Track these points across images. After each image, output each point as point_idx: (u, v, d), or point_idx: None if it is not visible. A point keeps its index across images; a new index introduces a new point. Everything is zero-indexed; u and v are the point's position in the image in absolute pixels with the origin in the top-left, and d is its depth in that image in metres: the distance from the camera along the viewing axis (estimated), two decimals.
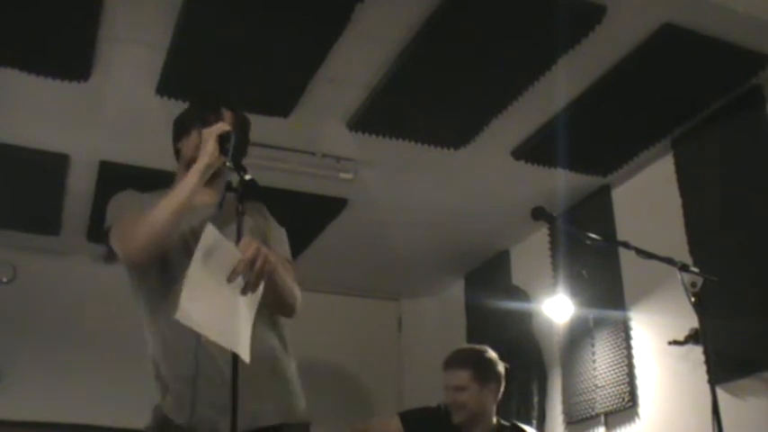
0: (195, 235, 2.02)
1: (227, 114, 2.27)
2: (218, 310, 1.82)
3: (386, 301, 5.78)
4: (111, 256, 2.22)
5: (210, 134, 2.10)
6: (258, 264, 1.88)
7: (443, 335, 5.44)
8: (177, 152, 2.34)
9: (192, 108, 2.39)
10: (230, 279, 1.85)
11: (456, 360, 3.24)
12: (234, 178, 2.04)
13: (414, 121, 3.61)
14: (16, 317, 4.59)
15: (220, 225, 1.99)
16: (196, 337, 1.92)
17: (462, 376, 3.18)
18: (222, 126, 2.14)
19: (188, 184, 2.06)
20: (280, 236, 2.31)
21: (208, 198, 2.17)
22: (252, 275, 1.88)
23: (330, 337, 5.39)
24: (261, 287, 1.94)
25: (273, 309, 2.13)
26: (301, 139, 3.77)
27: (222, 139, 2.09)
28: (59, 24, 2.90)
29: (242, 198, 1.97)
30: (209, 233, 1.85)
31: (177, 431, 2.03)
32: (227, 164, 2.04)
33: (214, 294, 1.83)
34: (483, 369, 3.20)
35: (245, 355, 1.82)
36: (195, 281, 1.80)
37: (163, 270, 2.09)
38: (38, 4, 2.80)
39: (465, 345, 3.42)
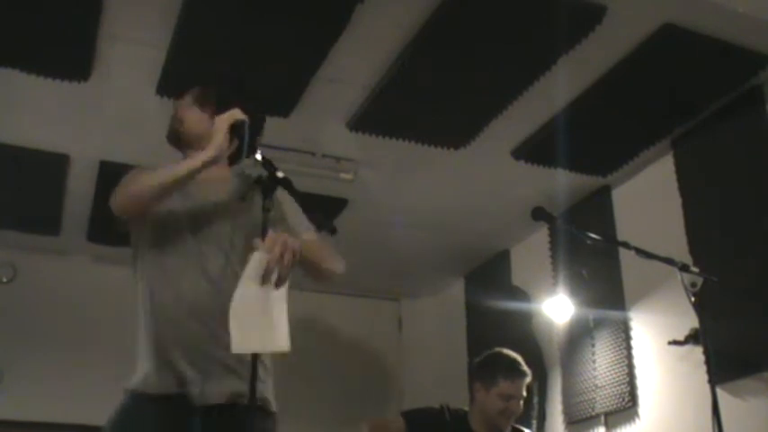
0: (198, 211, 2.09)
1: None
2: (261, 320, 1.86)
3: (386, 301, 5.79)
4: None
5: (223, 122, 2.04)
6: (287, 257, 1.86)
7: (443, 335, 5.44)
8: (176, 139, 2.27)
9: (213, 88, 2.27)
10: (265, 281, 1.85)
11: (525, 369, 3.18)
12: (259, 170, 2.02)
13: (414, 121, 3.61)
14: (16, 317, 4.59)
15: (236, 213, 2.06)
16: (188, 307, 1.99)
17: (526, 385, 3.17)
18: (234, 114, 2.05)
19: (189, 167, 2.02)
20: (295, 211, 2.20)
21: (220, 173, 2.14)
22: (282, 270, 1.87)
23: (330, 337, 5.40)
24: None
25: (312, 277, 2.13)
26: (301, 139, 3.77)
27: (235, 129, 2.04)
28: (59, 24, 2.90)
29: (268, 195, 1.95)
30: (256, 260, 1.85)
31: (150, 403, 2.00)
32: (257, 158, 2.00)
33: (256, 307, 1.85)
34: None
35: (285, 347, 1.86)
36: (240, 306, 1.83)
37: (162, 244, 2.09)
38: (38, 4, 2.80)
39: (503, 350, 3.27)
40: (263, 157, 2.02)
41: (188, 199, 2.13)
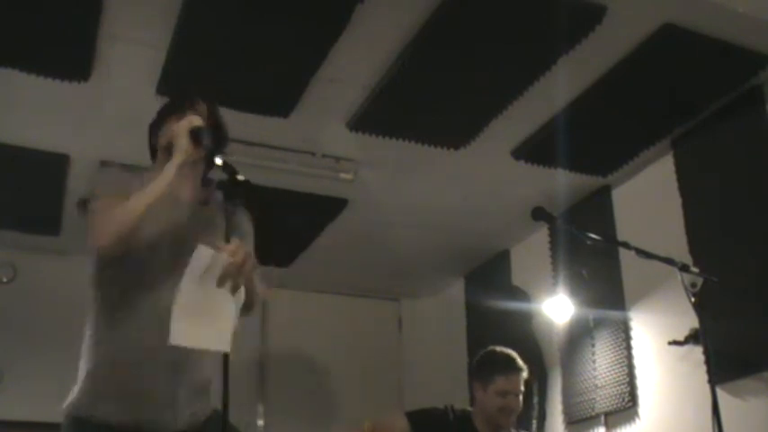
0: (169, 231, 2.05)
1: (200, 106, 2.18)
2: (206, 318, 1.86)
3: (386, 301, 5.78)
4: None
5: (182, 128, 2.04)
6: (247, 267, 1.89)
7: (443, 335, 5.44)
8: (153, 152, 2.28)
9: (166, 105, 2.31)
10: (221, 284, 1.86)
11: (519, 365, 3.19)
12: (220, 175, 2.00)
13: (414, 121, 3.61)
14: (16, 317, 4.59)
15: (200, 221, 2.05)
16: (157, 337, 1.92)
17: (523, 380, 3.18)
18: (192, 120, 2.07)
19: (162, 181, 2.00)
20: (249, 230, 2.23)
21: (186, 192, 2.13)
22: (239, 278, 1.89)
23: (330, 337, 5.40)
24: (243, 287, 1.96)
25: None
26: (301, 139, 3.77)
27: (194, 134, 2.03)
28: (59, 24, 2.90)
29: (230, 198, 1.95)
30: (202, 254, 1.85)
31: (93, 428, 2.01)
32: (217, 161, 1.99)
33: (203, 303, 1.86)
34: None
35: (225, 348, 1.86)
36: (185, 300, 1.83)
37: (128, 264, 2.04)
38: (38, 4, 2.80)
39: (498, 347, 3.29)
40: (223, 161, 1.99)
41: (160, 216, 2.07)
